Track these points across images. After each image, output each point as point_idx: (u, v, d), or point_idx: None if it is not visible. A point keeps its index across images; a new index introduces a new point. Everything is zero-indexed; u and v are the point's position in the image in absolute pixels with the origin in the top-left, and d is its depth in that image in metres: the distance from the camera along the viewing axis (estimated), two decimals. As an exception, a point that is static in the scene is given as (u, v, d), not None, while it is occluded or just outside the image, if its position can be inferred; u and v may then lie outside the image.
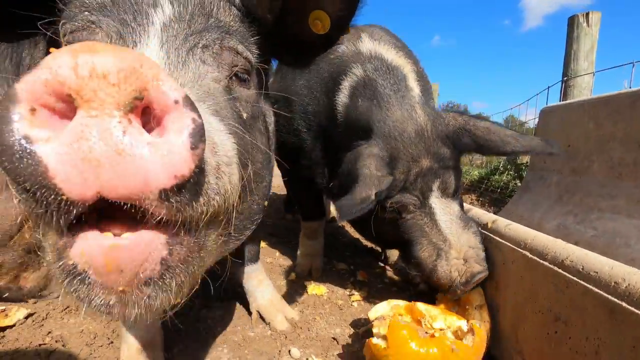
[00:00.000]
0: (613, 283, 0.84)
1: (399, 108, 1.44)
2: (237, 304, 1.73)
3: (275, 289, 1.68)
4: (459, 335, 1.18)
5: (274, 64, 1.04)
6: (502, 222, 1.40)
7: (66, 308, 1.62)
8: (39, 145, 0.36)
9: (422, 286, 1.90)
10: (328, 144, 1.69)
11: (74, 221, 0.42)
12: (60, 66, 0.35)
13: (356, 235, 3.03)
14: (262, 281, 1.65)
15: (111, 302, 0.44)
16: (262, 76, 0.87)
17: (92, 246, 0.41)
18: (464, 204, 1.77)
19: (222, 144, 0.54)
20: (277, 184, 5.22)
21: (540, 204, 2.99)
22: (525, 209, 3.11)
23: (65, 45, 0.63)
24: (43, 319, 1.52)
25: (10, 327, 1.44)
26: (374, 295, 1.89)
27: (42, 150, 0.36)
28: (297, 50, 0.93)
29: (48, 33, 0.68)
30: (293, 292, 1.90)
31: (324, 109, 1.65)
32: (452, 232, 1.39)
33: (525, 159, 4.16)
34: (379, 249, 2.56)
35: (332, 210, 3.35)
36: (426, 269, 1.41)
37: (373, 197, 1.22)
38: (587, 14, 3.15)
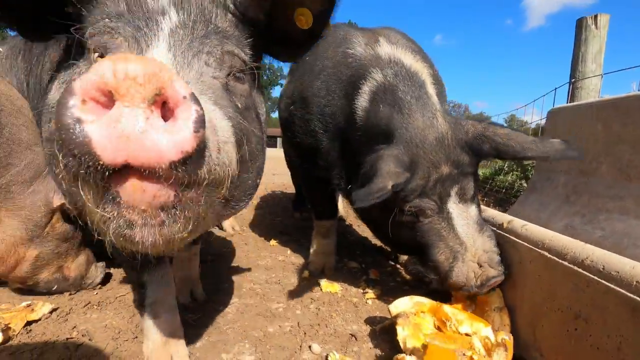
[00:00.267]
0: (635, 282, 0.87)
1: (421, 115, 1.48)
2: (253, 301, 1.77)
3: None
4: (487, 345, 1.19)
5: (267, 60, 1.14)
6: (518, 223, 1.43)
7: (88, 303, 1.65)
8: (86, 125, 0.49)
9: (435, 284, 1.93)
10: (345, 145, 1.72)
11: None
12: (104, 71, 0.49)
13: (364, 233, 3.07)
14: None
15: (134, 220, 0.57)
16: (254, 72, 0.97)
17: (122, 179, 0.54)
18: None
19: (221, 127, 0.67)
20: (286, 182, 5.29)
21: (547, 204, 3.02)
22: (532, 209, 3.15)
23: (90, 44, 0.77)
24: (67, 314, 1.56)
25: (36, 321, 1.47)
26: (387, 293, 1.92)
27: (89, 128, 0.49)
28: (286, 46, 1.02)
29: (77, 36, 0.78)
30: (308, 290, 1.94)
31: (342, 112, 1.68)
32: (469, 236, 1.44)
33: (531, 159, 4.18)
34: (389, 248, 2.59)
35: (340, 209, 3.39)
36: (442, 272, 1.45)
37: (389, 187, 1.25)
38: (596, 17, 3.18)
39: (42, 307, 1.52)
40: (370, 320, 1.65)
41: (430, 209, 1.47)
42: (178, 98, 0.51)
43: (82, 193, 0.56)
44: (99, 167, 0.51)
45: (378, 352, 1.40)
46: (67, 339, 1.37)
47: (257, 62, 0.95)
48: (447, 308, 1.33)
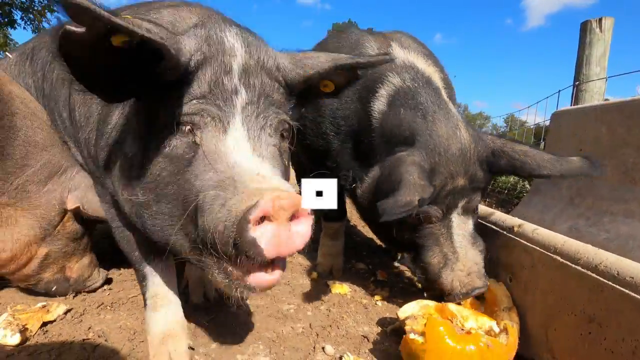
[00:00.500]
0: (650, 288, 0.89)
1: (445, 124, 1.50)
2: (264, 302, 1.79)
3: None
4: (491, 334, 1.23)
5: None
6: (529, 227, 1.45)
7: (101, 304, 1.66)
8: (256, 233, 0.73)
9: (422, 283, 1.96)
10: (357, 148, 1.74)
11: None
12: (267, 204, 0.72)
13: (370, 234, 3.08)
14: None
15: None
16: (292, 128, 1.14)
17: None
18: (485, 207, 1.82)
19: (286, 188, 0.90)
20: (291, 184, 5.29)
21: (551, 206, 3.05)
22: (536, 211, 3.17)
23: (181, 119, 0.91)
24: (81, 315, 1.57)
25: (51, 322, 1.49)
26: (396, 295, 1.94)
27: (257, 235, 0.73)
28: (310, 100, 1.26)
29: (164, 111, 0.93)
30: (317, 291, 1.96)
31: (356, 115, 1.70)
32: (462, 247, 1.52)
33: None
34: (384, 244, 2.60)
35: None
36: (431, 274, 1.54)
37: (416, 203, 1.28)
38: (600, 20, 3.20)
39: (57, 308, 1.53)
40: (381, 322, 1.68)
41: (436, 216, 1.53)
42: (304, 214, 0.78)
43: (230, 268, 0.82)
44: (258, 259, 0.76)
45: (391, 353, 1.42)
46: (84, 339, 1.39)
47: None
48: (452, 306, 1.36)
